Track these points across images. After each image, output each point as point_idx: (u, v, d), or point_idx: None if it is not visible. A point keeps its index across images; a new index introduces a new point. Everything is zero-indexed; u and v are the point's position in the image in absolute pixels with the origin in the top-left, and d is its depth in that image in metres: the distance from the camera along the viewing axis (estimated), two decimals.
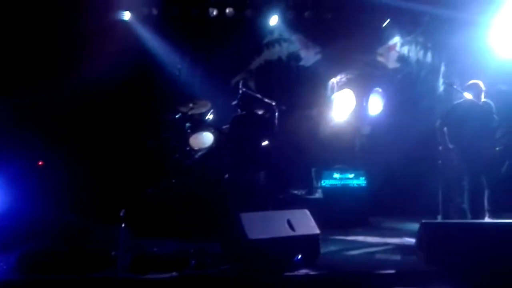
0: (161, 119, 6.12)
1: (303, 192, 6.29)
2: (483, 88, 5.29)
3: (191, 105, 5.99)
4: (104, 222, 4.51)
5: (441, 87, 7.62)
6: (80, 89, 5.94)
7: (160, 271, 3.34)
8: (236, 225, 3.54)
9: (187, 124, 5.99)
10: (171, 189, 5.46)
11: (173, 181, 5.61)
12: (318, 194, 6.16)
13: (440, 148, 5.91)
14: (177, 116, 6.04)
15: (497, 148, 5.33)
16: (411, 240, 4.33)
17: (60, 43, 6.11)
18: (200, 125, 6.05)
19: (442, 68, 7.69)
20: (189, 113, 6.03)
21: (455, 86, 6.21)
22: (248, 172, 4.93)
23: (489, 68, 6.37)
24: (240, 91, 6.17)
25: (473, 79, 5.67)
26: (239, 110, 5.37)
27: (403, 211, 6.19)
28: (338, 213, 5.69)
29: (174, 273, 3.32)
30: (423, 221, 3.86)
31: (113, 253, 3.37)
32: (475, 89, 5.27)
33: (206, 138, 5.84)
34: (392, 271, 3.58)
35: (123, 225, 3.10)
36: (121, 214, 3.07)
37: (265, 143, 5.32)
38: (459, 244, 3.61)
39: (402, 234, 5.07)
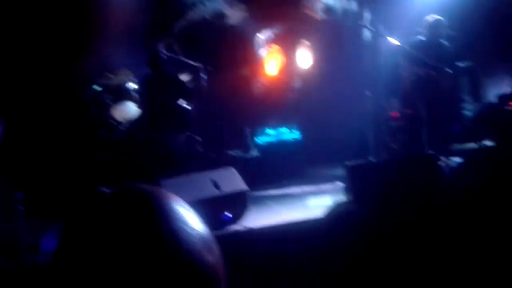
0: (78, 93, 5.74)
1: (239, 152, 6.23)
2: (445, 24, 5.29)
3: (110, 75, 5.65)
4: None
5: (367, 35, 7.67)
6: None
7: None
8: None
9: (108, 96, 5.67)
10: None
11: (102, 157, 5.35)
12: (254, 152, 6.12)
13: (368, 93, 6.01)
14: (95, 88, 5.69)
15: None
16: (342, 184, 4.39)
17: None
18: (122, 95, 5.74)
19: (367, 16, 7.72)
20: (109, 83, 5.69)
21: (378, 30, 6.23)
22: (164, 134, 4.77)
23: (411, 17, 6.44)
24: (164, 56, 5.92)
25: (396, 27, 5.73)
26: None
27: (338, 158, 6.28)
28: (275, 168, 5.70)
29: None
30: (346, 163, 3.90)
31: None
32: (434, 26, 5.26)
33: (130, 108, 5.56)
34: (321, 215, 3.60)
35: (21, 208, 2.85)
36: (17, 196, 2.82)
37: (183, 104, 5.16)
38: (381, 181, 3.69)
39: (335, 179, 5.14)
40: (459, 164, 4.49)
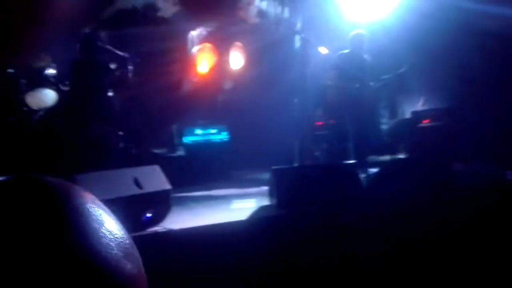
0: None
1: (164, 150, 6.04)
2: (367, 39, 5.51)
3: (28, 59, 5.16)
4: None
5: (297, 43, 7.87)
6: None
7: None
8: None
9: (23, 81, 5.17)
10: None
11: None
12: (180, 152, 5.97)
13: (296, 100, 6.16)
14: (9, 72, 5.17)
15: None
16: (267, 188, 4.42)
17: None
18: (38, 81, 5.27)
19: (299, 25, 7.92)
20: (25, 67, 5.20)
21: (308, 39, 6.40)
22: (87, 124, 4.49)
23: (341, 30, 6.72)
24: (89, 42, 5.58)
25: (326, 39, 5.94)
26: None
27: (264, 162, 6.35)
28: (201, 169, 5.60)
29: None
30: (273, 167, 3.93)
31: None
32: (357, 40, 5.48)
33: (46, 95, 5.12)
34: (244, 218, 3.59)
35: None
36: None
37: (110, 93, 4.90)
38: (306, 186, 3.77)
39: (260, 183, 5.17)
40: (375, 174, 4.74)
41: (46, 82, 5.29)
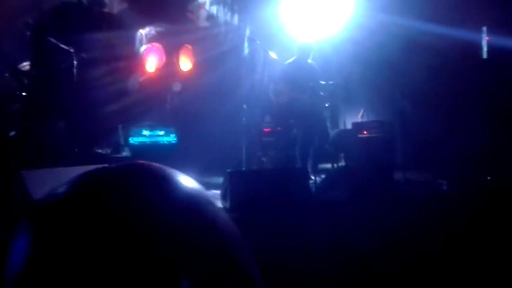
0: None
1: (109, 151, 5.80)
2: (313, 48, 5.66)
3: None
4: None
5: (246, 50, 7.98)
6: None
7: None
8: (17, 186, 2.93)
9: None
10: None
11: None
12: (126, 152, 5.78)
13: (245, 106, 6.22)
14: None
15: (326, 104, 5.78)
16: (218, 192, 4.42)
17: None
18: None
19: (247, 32, 8.04)
20: None
21: (258, 42, 6.50)
22: (34, 122, 4.21)
23: (284, 42, 6.92)
24: (29, 33, 5.24)
25: (272, 48, 6.08)
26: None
27: (211, 166, 6.34)
28: None
29: None
30: (228, 170, 3.95)
31: None
32: (304, 48, 5.60)
33: None
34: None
35: None
36: None
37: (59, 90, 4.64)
38: (259, 190, 3.84)
39: (210, 186, 5.14)
40: (322, 180, 4.94)
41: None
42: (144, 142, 5.80)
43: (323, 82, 5.57)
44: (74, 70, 5.23)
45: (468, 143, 5.21)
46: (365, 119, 7.23)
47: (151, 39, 6.96)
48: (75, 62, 5.29)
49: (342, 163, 6.65)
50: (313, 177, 5.02)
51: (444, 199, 4.56)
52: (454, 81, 6.20)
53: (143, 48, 6.82)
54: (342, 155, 6.82)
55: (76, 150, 5.10)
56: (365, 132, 6.61)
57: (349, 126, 7.10)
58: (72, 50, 5.30)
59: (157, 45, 6.82)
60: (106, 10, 6.99)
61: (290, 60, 5.69)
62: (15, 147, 4.06)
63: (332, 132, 7.15)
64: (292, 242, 3.55)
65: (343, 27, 7.00)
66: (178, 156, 6.02)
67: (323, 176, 5.25)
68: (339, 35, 6.97)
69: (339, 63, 6.77)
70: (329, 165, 6.54)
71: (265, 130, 6.82)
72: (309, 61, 5.75)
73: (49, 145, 4.32)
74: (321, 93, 5.68)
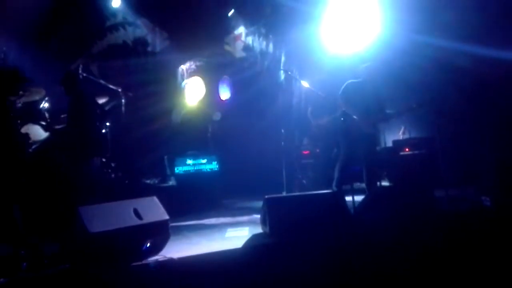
0: None
1: (156, 181, 6.15)
2: (377, 71, 5.61)
3: (20, 92, 5.27)
4: None
5: (282, 76, 8.24)
6: None
7: None
8: (75, 221, 3.25)
9: (17, 114, 5.26)
10: None
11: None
12: (172, 182, 6.10)
13: (283, 131, 6.40)
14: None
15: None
16: (259, 216, 4.57)
17: None
18: (33, 115, 5.39)
19: (283, 59, 8.30)
20: (19, 101, 5.31)
21: (290, 73, 6.70)
22: (77, 158, 4.61)
23: (322, 62, 7.09)
24: (80, 77, 5.73)
25: (308, 70, 6.22)
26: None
27: (253, 191, 6.53)
28: (193, 198, 5.73)
29: (1, 280, 2.90)
30: (266, 196, 4.11)
31: None
32: (371, 70, 5.54)
33: (38, 131, 5.23)
34: (239, 247, 3.73)
35: None
36: None
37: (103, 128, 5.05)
38: (295, 215, 3.95)
39: (251, 212, 5.33)
40: (362, 201, 4.96)
41: (40, 116, 5.40)
42: (189, 170, 6.10)
43: (388, 111, 5.48)
44: (123, 108, 5.66)
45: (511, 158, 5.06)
46: (406, 136, 7.18)
47: (191, 73, 7.37)
48: (123, 101, 5.73)
49: (384, 182, 6.62)
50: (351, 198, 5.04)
51: (487, 215, 4.45)
52: (493, 100, 6.08)
53: (184, 82, 7.23)
54: (384, 173, 6.79)
55: (126, 182, 5.47)
56: (407, 150, 6.57)
57: (389, 143, 7.08)
58: (119, 90, 5.74)
59: (197, 78, 7.21)
60: (149, 49, 7.50)
61: (354, 81, 5.56)
62: (65, 183, 4.44)
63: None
64: (331, 266, 3.63)
65: (371, 45, 7.07)
66: (221, 182, 6.27)
67: (362, 196, 5.27)
68: (369, 54, 7.03)
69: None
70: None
71: (304, 152, 6.95)
72: (378, 87, 5.60)
73: (101, 180, 4.68)
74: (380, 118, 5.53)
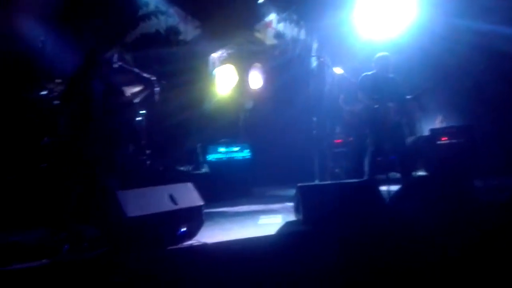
0: (23, 96, 5.45)
1: (190, 168, 6.23)
2: (391, 60, 5.56)
3: (59, 80, 5.42)
4: None
5: (313, 63, 8.11)
6: None
7: (27, 260, 3.00)
8: (113, 205, 3.33)
9: (55, 102, 5.42)
10: (39, 175, 4.93)
11: (43, 166, 5.07)
12: (205, 169, 6.16)
13: (315, 119, 6.33)
14: (43, 93, 5.43)
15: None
16: (291, 204, 4.56)
17: None
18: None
19: (315, 45, 8.17)
20: (58, 89, 5.46)
21: (322, 59, 6.59)
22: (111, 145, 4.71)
23: (354, 48, 6.94)
24: (116, 65, 5.83)
25: (341, 57, 6.10)
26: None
27: (285, 179, 6.52)
28: (225, 186, 5.78)
29: (44, 261, 3.02)
30: (298, 184, 4.08)
31: None
32: (382, 62, 5.51)
33: None
34: (273, 233, 3.73)
35: None
36: None
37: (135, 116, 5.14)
38: (329, 203, 3.91)
39: (284, 200, 5.32)
40: (397, 191, 4.86)
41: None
42: (221, 158, 6.14)
43: (408, 97, 5.40)
44: (156, 97, 5.73)
45: None
46: (444, 125, 6.96)
47: (223, 61, 7.38)
48: (156, 89, 5.80)
49: (420, 172, 6.46)
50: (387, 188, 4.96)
51: None
52: None
53: (215, 70, 7.25)
54: (420, 163, 6.62)
55: (161, 168, 5.56)
56: (444, 138, 6.37)
57: (426, 132, 6.88)
58: (153, 78, 5.81)
59: (229, 66, 7.21)
60: (181, 37, 7.55)
61: (368, 73, 5.56)
62: (105, 170, 4.56)
63: (409, 139, 6.97)
64: (364, 256, 3.58)
65: (406, 30, 6.85)
66: (252, 170, 6.28)
67: (398, 186, 5.17)
68: (404, 40, 6.82)
69: (407, 67, 6.62)
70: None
71: (337, 141, 6.86)
72: (391, 76, 5.57)
73: (130, 165, 4.78)
74: (399, 106, 5.48)
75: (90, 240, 3.43)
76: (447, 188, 4.53)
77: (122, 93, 5.42)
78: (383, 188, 4.84)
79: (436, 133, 6.42)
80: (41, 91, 5.41)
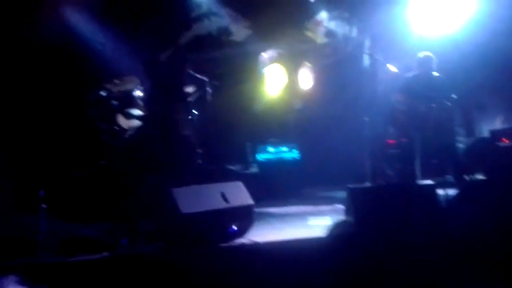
0: (84, 97, 5.75)
1: (239, 167, 6.30)
2: (435, 60, 5.42)
3: (117, 81, 5.68)
4: (28, 209, 4.20)
5: (366, 61, 7.92)
6: None
7: (89, 252, 3.18)
8: (168, 201, 3.45)
9: (114, 102, 5.69)
10: (100, 172, 5.20)
11: (102, 162, 5.34)
12: (254, 168, 6.21)
13: (367, 118, 6.20)
14: (102, 94, 5.71)
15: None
16: (342, 206, 4.50)
17: None
18: (128, 102, 5.77)
19: (367, 43, 7.98)
20: (116, 90, 5.72)
21: (377, 57, 6.44)
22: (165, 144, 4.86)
23: (409, 44, 6.70)
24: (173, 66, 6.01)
25: (395, 54, 5.92)
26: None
27: (334, 181, 6.42)
28: (273, 186, 5.79)
29: (105, 253, 3.18)
30: (349, 186, 4.02)
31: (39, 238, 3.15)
32: (424, 62, 5.38)
33: (134, 116, 5.59)
34: (324, 235, 3.70)
35: (43, 206, 2.88)
36: (40, 194, 2.84)
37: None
38: (383, 206, 3.81)
39: (333, 201, 5.25)
40: (455, 196, 4.65)
41: (134, 104, 5.77)
42: (270, 158, 6.17)
43: (454, 96, 5.21)
44: (208, 97, 5.85)
45: None
46: (505, 126, 6.59)
47: (273, 61, 7.40)
48: (208, 89, 5.92)
49: (479, 175, 6.14)
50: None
51: None
52: None
53: (265, 70, 7.28)
54: (479, 166, 6.29)
55: (212, 167, 5.68)
56: (505, 140, 6.02)
57: (485, 134, 6.54)
58: (206, 79, 5.94)
59: (278, 66, 7.22)
60: (232, 38, 7.64)
61: (410, 74, 5.47)
62: (157, 167, 4.72)
63: (467, 141, 6.66)
64: (418, 261, 3.46)
65: (464, 26, 6.53)
66: (301, 171, 6.25)
67: (454, 190, 4.95)
68: (462, 36, 6.51)
69: (464, 65, 6.32)
70: (465, 177, 6.09)
71: (390, 142, 6.66)
72: (434, 73, 5.42)
73: (186, 165, 4.91)
74: (448, 104, 5.32)
75: (147, 235, 3.56)
76: (507, 193, 4.29)
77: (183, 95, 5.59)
78: (440, 191, 4.65)
79: (496, 135, 6.08)
80: (101, 92, 5.70)
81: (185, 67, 6.14)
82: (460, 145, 6.44)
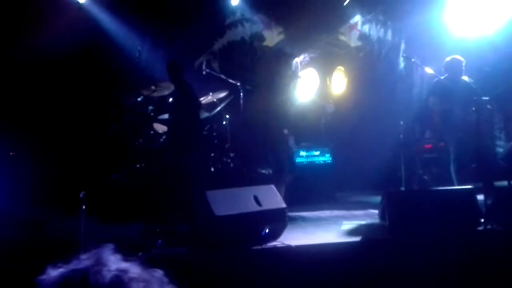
0: (122, 102, 5.95)
1: (270, 171, 6.31)
2: (463, 63, 5.27)
3: (153, 87, 5.83)
4: (67, 211, 4.38)
5: (401, 64, 7.78)
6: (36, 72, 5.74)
7: (125, 253, 3.27)
8: (202, 204, 3.51)
9: (150, 107, 5.85)
10: (136, 175, 5.35)
11: (137, 166, 5.49)
12: None
13: (402, 122, 6.07)
14: (139, 99, 5.88)
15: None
16: (375, 211, 4.43)
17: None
18: (163, 108, 5.92)
19: (402, 46, 7.84)
20: (152, 95, 5.88)
21: (413, 59, 6.31)
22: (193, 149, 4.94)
23: (446, 46, 6.53)
24: (204, 72, 6.13)
25: (431, 57, 5.77)
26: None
27: (368, 185, 6.33)
28: (305, 190, 5.77)
29: (140, 254, 3.27)
30: (385, 191, 3.95)
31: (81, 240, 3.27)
32: (453, 65, 5.24)
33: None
34: (358, 239, 3.66)
35: (83, 208, 2.99)
36: (81, 196, 2.95)
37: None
38: (419, 211, 3.73)
39: (367, 206, 5.18)
40: (494, 201, 4.49)
41: (169, 109, 5.91)
42: (302, 162, 6.15)
43: (486, 98, 5.04)
44: (241, 102, 5.91)
45: None
46: None
47: (306, 65, 7.39)
48: (241, 94, 5.99)
49: None
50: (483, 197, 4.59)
51: None
52: None
53: (299, 74, 7.29)
54: None
55: (244, 171, 5.72)
56: None
57: None
58: (238, 84, 6.01)
59: (311, 70, 7.21)
60: (265, 43, 7.71)
61: (439, 79, 5.31)
62: (192, 170, 4.81)
63: (507, 146, 6.42)
64: (453, 269, 3.36)
65: (502, 27, 6.29)
66: (334, 175, 6.20)
67: (495, 196, 4.76)
68: (501, 37, 6.27)
69: (502, 68, 6.09)
70: (504, 183, 5.86)
71: (426, 146, 6.50)
72: (464, 78, 5.24)
73: (219, 168, 4.97)
74: (488, 107, 5.15)
75: (181, 237, 3.64)
76: None
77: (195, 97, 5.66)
78: (480, 197, 4.50)
79: None
80: (138, 97, 5.88)
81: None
82: (500, 150, 6.21)
